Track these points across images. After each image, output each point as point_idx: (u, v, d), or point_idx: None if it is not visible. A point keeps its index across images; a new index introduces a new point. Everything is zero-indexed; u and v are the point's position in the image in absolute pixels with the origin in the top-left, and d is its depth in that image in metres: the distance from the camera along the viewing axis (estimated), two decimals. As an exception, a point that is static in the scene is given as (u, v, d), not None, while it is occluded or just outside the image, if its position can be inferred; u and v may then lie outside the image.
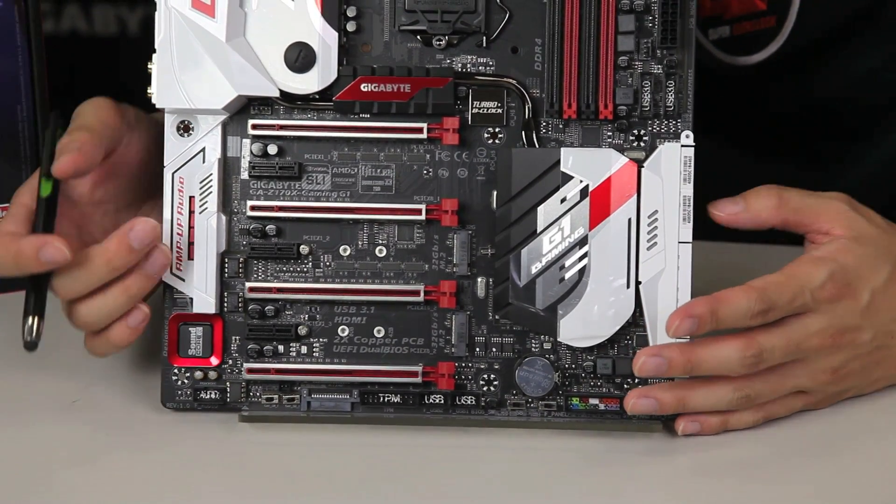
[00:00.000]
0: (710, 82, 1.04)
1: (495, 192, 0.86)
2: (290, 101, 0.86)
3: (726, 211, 0.85)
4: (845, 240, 0.85)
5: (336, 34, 0.85)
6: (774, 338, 0.82)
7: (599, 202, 0.85)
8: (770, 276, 0.83)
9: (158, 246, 0.83)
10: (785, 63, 1.07)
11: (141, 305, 0.84)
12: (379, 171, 0.87)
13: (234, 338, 0.87)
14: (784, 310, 0.82)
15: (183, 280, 0.86)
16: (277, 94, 0.85)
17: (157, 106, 0.85)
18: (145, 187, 0.89)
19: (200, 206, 0.86)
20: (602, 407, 0.86)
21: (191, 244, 0.86)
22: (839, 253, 0.84)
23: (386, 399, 0.86)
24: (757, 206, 0.85)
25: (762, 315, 0.82)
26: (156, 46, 0.85)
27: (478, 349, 0.87)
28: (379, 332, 0.87)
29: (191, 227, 0.86)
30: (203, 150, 0.86)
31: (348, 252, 0.87)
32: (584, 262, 0.85)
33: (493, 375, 0.87)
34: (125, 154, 0.87)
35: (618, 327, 0.85)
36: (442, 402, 0.86)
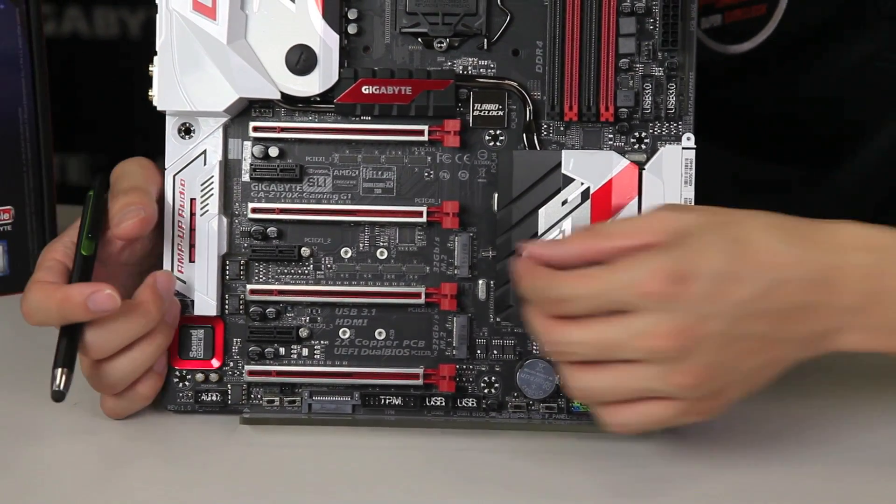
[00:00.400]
0: (702, 76, 1.03)
1: (496, 195, 0.86)
2: (292, 104, 0.86)
3: (541, 247, 0.80)
4: (672, 236, 0.77)
5: (337, 36, 0.85)
6: (578, 332, 0.77)
7: (600, 205, 0.85)
8: (594, 268, 0.77)
9: (172, 297, 0.85)
10: (776, 52, 1.07)
11: None
12: (380, 173, 0.87)
13: (235, 340, 0.87)
14: (585, 306, 0.76)
15: (184, 282, 0.86)
16: (278, 97, 0.85)
17: (159, 108, 0.85)
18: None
19: (201, 209, 0.86)
20: (603, 409, 0.86)
21: (192, 246, 0.86)
22: (665, 248, 0.76)
23: (387, 401, 0.86)
24: (568, 240, 0.80)
25: (555, 304, 0.77)
26: (157, 49, 0.85)
27: (479, 351, 0.87)
28: (380, 334, 0.87)
29: (192, 230, 0.86)
30: (204, 152, 0.86)
31: (349, 254, 0.87)
32: (586, 264, 0.85)
33: (494, 378, 0.87)
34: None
35: (619, 329, 0.85)
36: (443, 404, 0.86)
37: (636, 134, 0.86)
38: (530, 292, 0.79)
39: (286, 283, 0.87)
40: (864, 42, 1.05)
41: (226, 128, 0.86)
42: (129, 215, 0.83)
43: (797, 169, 1.11)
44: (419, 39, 0.86)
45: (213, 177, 0.86)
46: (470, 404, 0.87)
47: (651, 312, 0.76)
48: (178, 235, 0.86)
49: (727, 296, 0.76)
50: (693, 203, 0.85)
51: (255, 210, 0.86)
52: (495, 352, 0.87)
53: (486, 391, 0.87)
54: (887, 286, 0.78)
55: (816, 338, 0.78)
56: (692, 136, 0.85)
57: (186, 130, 0.86)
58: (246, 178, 0.87)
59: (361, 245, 0.87)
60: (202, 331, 0.87)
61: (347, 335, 0.87)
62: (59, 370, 0.79)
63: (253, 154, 0.86)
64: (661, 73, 0.86)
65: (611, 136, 0.86)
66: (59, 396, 0.79)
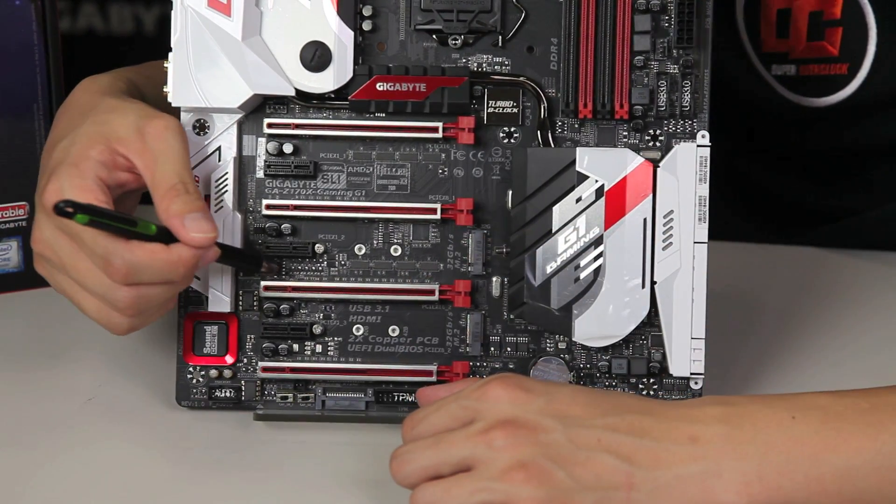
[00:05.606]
0: (768, 115, 1.01)
1: (510, 192, 0.86)
2: (306, 100, 0.86)
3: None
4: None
5: (352, 33, 0.85)
6: (421, 438, 0.77)
7: (615, 202, 0.85)
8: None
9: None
10: (851, 110, 1.06)
11: None
12: (394, 170, 0.87)
13: (249, 336, 0.87)
14: (433, 420, 0.77)
15: (198, 278, 0.86)
16: (293, 93, 0.85)
17: (174, 105, 0.85)
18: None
19: (216, 205, 0.86)
20: (617, 407, 0.86)
21: (206, 243, 0.86)
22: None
23: (400, 398, 0.87)
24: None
25: (408, 428, 0.78)
26: (172, 45, 0.85)
27: (492, 348, 0.87)
28: (394, 331, 0.87)
29: (206, 226, 0.86)
30: (219, 148, 0.86)
31: (363, 251, 0.87)
32: (600, 261, 0.85)
33: (507, 375, 0.86)
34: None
35: (633, 327, 0.85)
36: (456, 401, 0.86)
37: (651, 131, 0.86)
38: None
39: (300, 280, 0.87)
40: None
41: (240, 124, 0.86)
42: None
43: (850, 201, 1.11)
44: (434, 36, 0.86)
45: (227, 173, 0.86)
46: (483, 401, 0.86)
47: (492, 413, 0.75)
48: (193, 232, 0.86)
49: (568, 414, 0.75)
50: (707, 203, 0.85)
51: (269, 206, 0.86)
52: (509, 349, 0.87)
53: (499, 388, 0.86)
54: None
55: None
56: (707, 134, 0.85)
57: (201, 127, 0.86)
58: (260, 174, 0.87)
59: (375, 242, 0.87)
60: (216, 327, 0.87)
61: (361, 332, 0.87)
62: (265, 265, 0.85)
63: (267, 150, 0.87)
64: (676, 71, 0.86)
65: (625, 133, 0.86)
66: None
